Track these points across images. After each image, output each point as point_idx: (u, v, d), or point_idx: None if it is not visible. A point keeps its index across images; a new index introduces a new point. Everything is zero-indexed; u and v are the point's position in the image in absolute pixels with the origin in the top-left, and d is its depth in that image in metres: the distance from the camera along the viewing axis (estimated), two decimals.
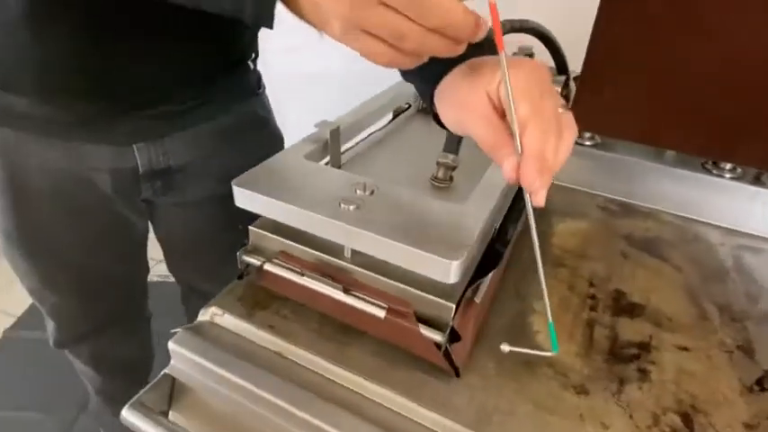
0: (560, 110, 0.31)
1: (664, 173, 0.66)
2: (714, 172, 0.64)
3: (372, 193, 0.38)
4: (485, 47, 0.30)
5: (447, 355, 0.37)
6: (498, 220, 0.45)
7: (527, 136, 0.28)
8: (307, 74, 1.32)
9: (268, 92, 0.69)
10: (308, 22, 0.29)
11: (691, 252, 0.57)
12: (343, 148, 0.55)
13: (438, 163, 0.47)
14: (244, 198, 0.38)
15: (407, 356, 0.40)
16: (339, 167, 0.50)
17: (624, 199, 0.68)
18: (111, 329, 0.71)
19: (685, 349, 0.44)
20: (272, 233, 0.42)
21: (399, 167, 0.52)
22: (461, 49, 0.28)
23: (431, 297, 0.36)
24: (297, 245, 0.41)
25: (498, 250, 0.43)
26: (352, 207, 0.36)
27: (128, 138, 0.51)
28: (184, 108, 0.54)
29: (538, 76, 0.30)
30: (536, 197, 0.29)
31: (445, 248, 0.32)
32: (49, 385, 1.13)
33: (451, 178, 0.48)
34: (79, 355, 0.74)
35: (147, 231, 0.69)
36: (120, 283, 0.69)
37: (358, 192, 0.38)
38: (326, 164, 0.47)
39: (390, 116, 0.66)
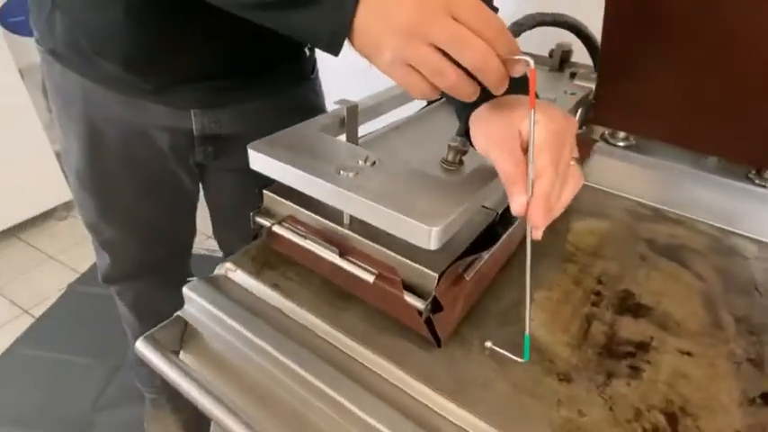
0: (571, 161, 0.35)
1: (703, 180, 0.63)
2: (757, 182, 0.59)
3: (374, 164, 0.40)
4: (520, 85, 0.34)
5: (429, 324, 0.38)
6: (503, 204, 0.46)
7: (540, 182, 0.33)
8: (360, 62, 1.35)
9: (322, 77, 0.74)
10: (361, 51, 0.33)
11: (719, 263, 0.54)
12: (369, 129, 0.57)
13: (449, 146, 0.48)
14: (257, 160, 0.42)
15: (396, 325, 0.42)
16: (356, 144, 0.52)
17: (656, 204, 0.65)
18: (154, 277, 0.79)
19: (688, 354, 0.42)
20: (282, 197, 0.45)
21: (416, 151, 0.54)
22: (474, 97, 0.33)
23: (415, 265, 0.37)
24: (303, 210, 0.44)
25: (497, 232, 0.44)
26: (351, 174, 0.38)
27: (186, 103, 0.58)
28: (239, 85, 0.59)
29: (564, 129, 0.34)
30: (536, 232, 0.34)
31: (427, 216, 0.33)
32: (101, 335, 1.25)
33: (461, 162, 0.49)
34: (123, 297, 0.82)
35: (197, 197, 0.76)
36: (167, 235, 0.76)
37: (360, 162, 0.40)
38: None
39: (425, 103, 0.68)
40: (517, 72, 0.32)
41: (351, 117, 0.49)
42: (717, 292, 0.50)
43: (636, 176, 0.67)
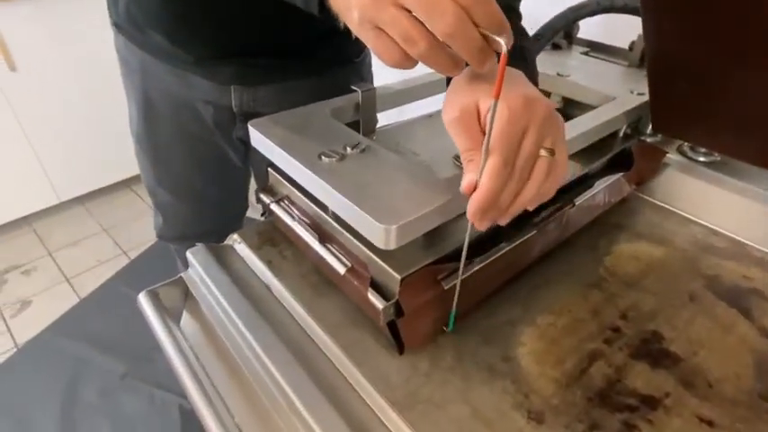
0: (543, 152, 0.30)
1: None
2: None
3: (362, 152, 0.38)
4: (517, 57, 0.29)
5: (392, 327, 0.36)
6: None
7: (486, 175, 0.28)
8: None
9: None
10: (335, 10, 0.31)
11: None
12: (401, 118, 0.55)
13: None
14: (256, 138, 0.42)
15: (370, 323, 0.40)
16: (373, 131, 0.50)
17: (737, 237, 0.53)
18: (205, 240, 0.84)
19: (709, 423, 0.34)
20: (283, 177, 0.45)
21: (436, 144, 0.50)
22: (458, 72, 0.29)
23: (382, 264, 0.35)
24: (296, 191, 0.43)
25: (498, 242, 0.39)
26: (332, 160, 0.36)
27: (227, 79, 0.60)
28: (278, 63, 0.60)
29: (523, 116, 0.29)
30: (477, 225, 0.30)
31: (388, 213, 0.31)
32: None
33: None
34: (180, 255, 0.90)
35: (248, 173, 0.80)
36: (217, 207, 0.81)
37: (348, 149, 0.38)
38: (355, 124, 0.48)
39: None
40: (497, 48, 0.27)
41: (366, 103, 0.48)
42: None
43: (716, 199, 0.56)
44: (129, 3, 0.55)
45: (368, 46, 0.29)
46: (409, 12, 0.26)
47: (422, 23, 0.26)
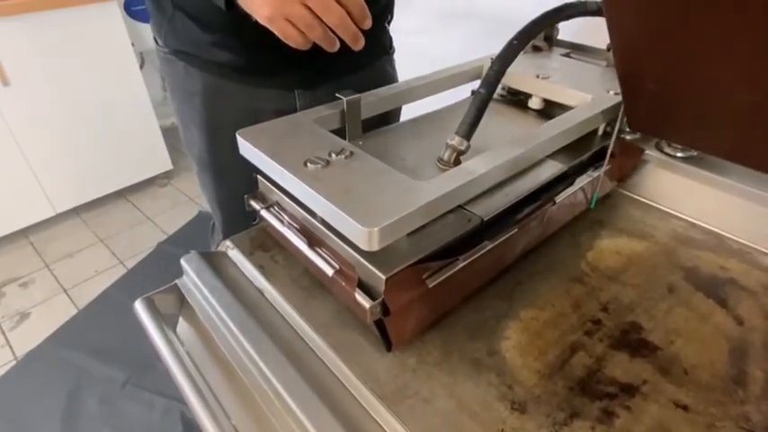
0: None
1: None
2: None
3: (347, 157, 0.39)
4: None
5: (380, 326, 0.37)
6: (490, 211, 0.43)
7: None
8: (430, 56, 1.34)
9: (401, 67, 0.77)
10: (243, 5, 0.43)
11: None
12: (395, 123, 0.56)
13: (446, 144, 0.45)
14: (243, 147, 0.43)
15: (359, 323, 0.41)
16: (360, 137, 0.52)
17: (715, 228, 0.55)
18: None
19: (684, 408, 0.35)
20: (272, 184, 0.47)
21: (418, 148, 0.52)
22: (336, 48, 0.45)
23: (368, 264, 0.36)
24: (285, 197, 0.45)
25: (471, 243, 0.41)
26: (318, 166, 0.38)
27: (292, 84, 0.64)
28: (333, 62, 0.62)
29: None
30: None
31: (369, 216, 0.32)
32: None
33: (458, 162, 0.46)
34: None
35: None
36: None
37: (333, 155, 0.39)
38: (342, 131, 0.49)
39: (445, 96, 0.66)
40: (366, 26, 0.44)
41: (351, 110, 0.49)
42: (755, 341, 0.41)
43: (694, 193, 0.57)
44: (193, 27, 0.58)
45: (276, 32, 0.42)
46: (309, 8, 0.40)
47: (317, 16, 0.41)
